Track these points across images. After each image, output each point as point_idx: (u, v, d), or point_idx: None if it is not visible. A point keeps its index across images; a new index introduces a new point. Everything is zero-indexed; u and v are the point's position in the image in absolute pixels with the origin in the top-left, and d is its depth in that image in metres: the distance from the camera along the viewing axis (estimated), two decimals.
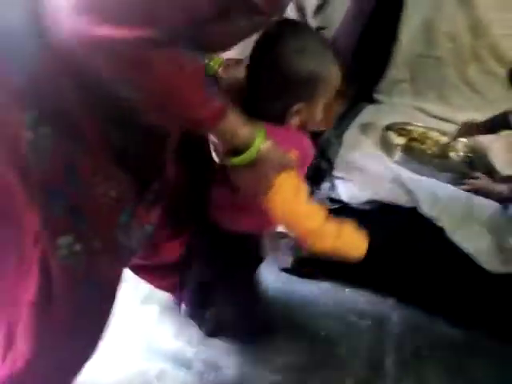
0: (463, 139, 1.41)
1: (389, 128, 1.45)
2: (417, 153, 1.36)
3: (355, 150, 1.37)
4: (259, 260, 1.04)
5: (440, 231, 1.16)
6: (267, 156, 0.70)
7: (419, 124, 1.49)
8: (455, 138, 1.38)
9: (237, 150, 0.69)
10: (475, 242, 1.14)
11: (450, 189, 1.23)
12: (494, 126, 1.32)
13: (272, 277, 1.39)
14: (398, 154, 1.34)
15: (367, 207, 1.22)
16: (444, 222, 1.16)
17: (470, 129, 1.37)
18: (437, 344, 1.27)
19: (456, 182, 1.25)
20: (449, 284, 1.24)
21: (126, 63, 0.54)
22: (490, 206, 1.18)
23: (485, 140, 1.40)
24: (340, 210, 1.22)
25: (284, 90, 0.73)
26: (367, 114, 1.61)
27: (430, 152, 1.38)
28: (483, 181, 1.22)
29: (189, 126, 0.71)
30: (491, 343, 1.26)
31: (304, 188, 0.75)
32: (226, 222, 0.90)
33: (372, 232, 1.34)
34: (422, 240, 1.21)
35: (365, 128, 1.50)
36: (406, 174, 1.26)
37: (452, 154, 1.38)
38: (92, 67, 0.55)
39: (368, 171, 1.27)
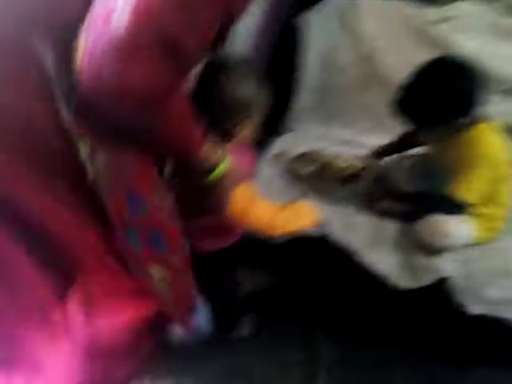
0: (366, 163, 1.49)
1: (298, 157, 1.50)
2: (324, 181, 1.42)
3: (266, 183, 1.39)
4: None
5: (350, 257, 1.21)
6: (231, 171, 0.81)
7: (326, 151, 1.55)
8: (364, 165, 1.46)
9: (207, 171, 0.78)
10: (385, 262, 1.20)
11: (358, 213, 1.29)
12: (398, 146, 1.42)
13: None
14: (307, 184, 1.38)
15: (278, 241, 1.24)
16: (355, 247, 1.21)
17: (377, 153, 1.46)
18: (366, 369, 1.31)
19: (364, 206, 1.31)
20: (367, 307, 1.30)
21: (152, 107, 0.58)
22: (396, 225, 1.25)
23: (389, 161, 1.49)
24: (253, 243, 1.23)
25: (230, 113, 0.89)
26: (278, 143, 1.65)
27: (337, 178, 1.44)
28: (386, 203, 1.29)
29: (174, 155, 0.78)
30: (417, 357, 1.33)
31: (256, 192, 0.93)
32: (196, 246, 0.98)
33: (285, 266, 1.37)
34: (335, 268, 1.26)
35: (276, 158, 1.54)
36: (316, 203, 1.30)
37: (357, 179, 1.46)
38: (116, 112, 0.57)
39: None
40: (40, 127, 0.58)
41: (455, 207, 1.16)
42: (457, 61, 1.12)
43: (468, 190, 1.13)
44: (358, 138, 1.71)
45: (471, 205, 1.15)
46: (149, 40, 0.51)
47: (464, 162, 1.14)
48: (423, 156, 1.36)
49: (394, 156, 1.45)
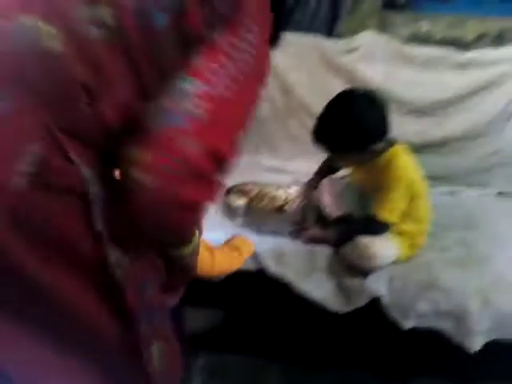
0: (296, 190, 1.52)
1: (229, 191, 1.51)
2: (256, 212, 1.43)
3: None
4: None
5: (286, 287, 1.22)
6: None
7: (256, 182, 1.56)
8: (295, 193, 1.49)
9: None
10: (321, 290, 1.22)
11: (291, 243, 1.31)
12: (323, 172, 1.47)
13: None
14: (239, 218, 1.39)
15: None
16: (290, 277, 1.23)
17: (308, 184, 1.50)
18: None
19: (294, 235, 1.34)
20: (310, 334, 1.32)
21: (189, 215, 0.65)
22: (327, 251, 1.29)
23: (316, 188, 1.52)
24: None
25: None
26: None
27: (268, 209, 1.46)
28: (314, 230, 1.33)
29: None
30: (362, 377, 1.36)
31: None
32: None
33: (224, 301, 1.36)
34: (275, 299, 1.27)
35: None
36: (250, 236, 1.31)
37: (287, 207, 1.49)
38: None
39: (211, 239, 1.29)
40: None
41: (379, 228, 1.22)
42: (364, 92, 1.20)
43: (389, 210, 1.20)
44: (285, 164, 1.76)
45: (393, 224, 1.22)
46: (212, 168, 0.60)
47: (382, 184, 1.21)
48: (346, 181, 1.42)
49: (322, 182, 1.50)
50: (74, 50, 0.56)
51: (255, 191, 1.52)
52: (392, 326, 1.20)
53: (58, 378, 0.64)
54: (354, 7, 1.75)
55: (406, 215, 1.24)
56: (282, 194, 1.52)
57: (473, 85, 1.72)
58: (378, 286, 1.20)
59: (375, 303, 1.20)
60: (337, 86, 1.67)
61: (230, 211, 1.43)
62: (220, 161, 0.61)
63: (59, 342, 0.62)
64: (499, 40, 1.81)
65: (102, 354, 0.66)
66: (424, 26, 1.79)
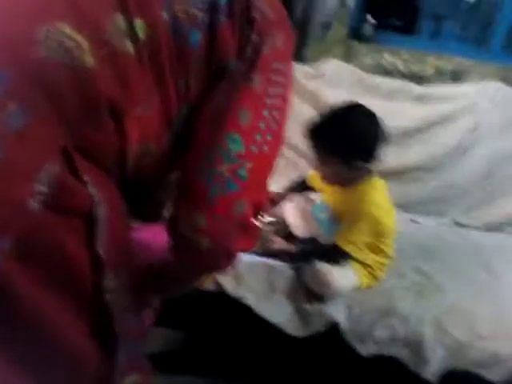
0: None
1: None
2: None
3: None
4: None
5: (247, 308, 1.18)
6: None
7: None
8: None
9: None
10: (279, 313, 1.19)
11: (251, 264, 1.27)
12: (291, 189, 1.45)
13: None
14: None
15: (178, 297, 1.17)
16: (249, 300, 1.19)
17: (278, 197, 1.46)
18: None
19: (263, 250, 1.28)
20: (270, 356, 1.28)
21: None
22: (287, 273, 1.25)
23: (284, 206, 1.50)
24: None
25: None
26: None
27: None
28: (280, 242, 1.30)
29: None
30: None
31: None
32: None
33: (190, 322, 1.29)
34: (236, 321, 1.23)
35: None
36: None
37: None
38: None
39: None
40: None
41: (339, 257, 1.21)
42: (375, 114, 1.20)
43: (350, 242, 1.19)
44: None
45: (351, 255, 1.21)
46: (255, 218, 0.68)
47: (350, 213, 1.21)
48: (317, 201, 1.40)
49: (290, 199, 1.47)
50: (104, 64, 0.53)
51: None
52: (352, 353, 1.19)
53: None
54: (322, 35, 1.79)
55: (370, 247, 1.24)
56: None
57: (431, 117, 1.79)
58: (336, 311, 1.19)
59: (335, 329, 1.18)
60: (301, 110, 1.69)
61: None
62: (261, 209, 0.68)
63: (36, 367, 0.58)
64: (456, 76, 1.91)
65: (79, 380, 0.63)
66: (387, 58, 1.86)
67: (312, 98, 1.70)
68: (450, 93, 1.80)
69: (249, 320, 1.20)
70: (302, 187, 1.45)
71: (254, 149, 0.62)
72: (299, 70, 1.71)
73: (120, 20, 0.54)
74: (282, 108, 0.66)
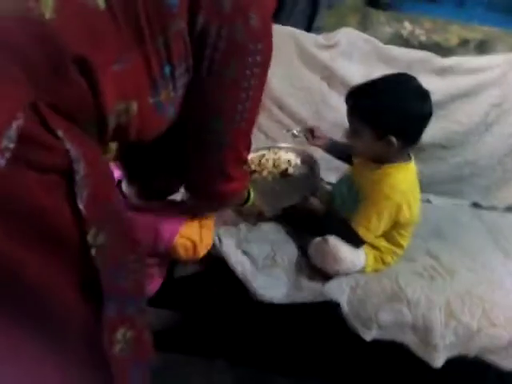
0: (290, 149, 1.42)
1: None
2: (259, 184, 1.30)
3: None
4: None
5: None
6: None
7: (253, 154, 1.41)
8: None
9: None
10: (274, 287, 1.14)
11: (256, 236, 1.23)
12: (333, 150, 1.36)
13: None
14: None
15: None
16: (246, 269, 1.15)
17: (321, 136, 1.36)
18: None
19: (307, 195, 1.24)
20: (267, 335, 1.25)
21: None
22: (291, 248, 1.21)
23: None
24: None
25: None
26: None
27: (271, 177, 1.34)
28: (314, 200, 1.24)
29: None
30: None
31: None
32: None
33: (186, 302, 1.26)
34: (230, 298, 1.19)
35: None
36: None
37: (290, 169, 1.36)
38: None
39: None
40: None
41: (353, 240, 1.15)
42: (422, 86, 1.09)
43: (367, 228, 1.13)
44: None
45: (367, 242, 1.15)
46: None
47: (371, 194, 1.13)
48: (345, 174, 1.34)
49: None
50: (68, 20, 0.54)
51: (254, 162, 1.38)
52: (355, 337, 1.14)
53: (13, 358, 0.61)
54: (336, 2, 1.69)
55: (386, 236, 1.18)
56: (282, 157, 1.39)
57: (453, 92, 1.67)
58: (338, 292, 1.14)
59: (337, 312, 1.13)
60: (312, 82, 1.61)
61: None
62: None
63: (21, 320, 0.59)
64: (481, 47, 1.78)
65: (64, 334, 0.63)
66: (407, 27, 1.74)
67: (324, 69, 1.61)
68: (474, 65, 1.67)
69: (245, 299, 1.16)
70: (340, 152, 1.35)
71: (233, 126, 0.78)
72: (310, 40, 1.61)
73: None
74: (255, 87, 0.76)
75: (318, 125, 1.43)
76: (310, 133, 1.35)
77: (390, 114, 1.05)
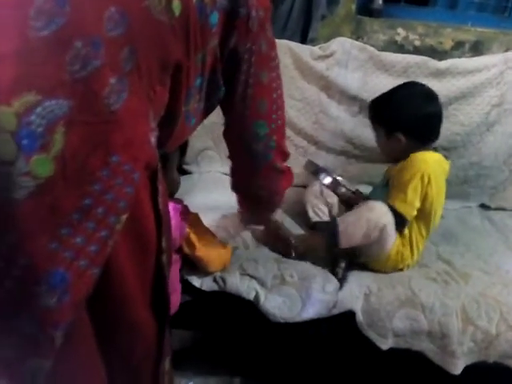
0: None
1: None
2: None
3: None
4: None
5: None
6: None
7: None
8: None
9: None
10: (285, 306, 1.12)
11: (258, 256, 1.21)
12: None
13: None
14: None
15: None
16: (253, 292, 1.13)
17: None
18: None
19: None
20: (283, 352, 1.23)
21: None
22: (299, 264, 1.19)
23: None
24: None
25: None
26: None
27: None
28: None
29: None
30: None
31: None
32: None
33: (202, 322, 1.23)
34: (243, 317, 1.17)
35: None
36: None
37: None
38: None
39: None
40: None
41: (397, 219, 1.15)
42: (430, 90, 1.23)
43: (403, 201, 1.14)
44: None
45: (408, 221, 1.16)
46: None
47: (401, 176, 1.17)
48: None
49: None
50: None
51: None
52: (370, 347, 1.11)
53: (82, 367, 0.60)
54: (329, 13, 1.70)
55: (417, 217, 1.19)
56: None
57: (451, 94, 1.66)
58: (351, 300, 1.11)
59: (350, 323, 1.11)
60: (310, 92, 1.61)
61: None
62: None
63: (103, 334, 0.59)
64: (476, 49, 1.78)
65: (131, 355, 0.63)
66: (400, 33, 1.75)
67: (321, 79, 1.61)
68: (471, 66, 1.66)
69: (258, 316, 1.14)
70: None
71: (273, 126, 0.87)
72: (305, 51, 1.61)
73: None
74: (279, 85, 0.87)
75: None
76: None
77: (394, 113, 1.18)
